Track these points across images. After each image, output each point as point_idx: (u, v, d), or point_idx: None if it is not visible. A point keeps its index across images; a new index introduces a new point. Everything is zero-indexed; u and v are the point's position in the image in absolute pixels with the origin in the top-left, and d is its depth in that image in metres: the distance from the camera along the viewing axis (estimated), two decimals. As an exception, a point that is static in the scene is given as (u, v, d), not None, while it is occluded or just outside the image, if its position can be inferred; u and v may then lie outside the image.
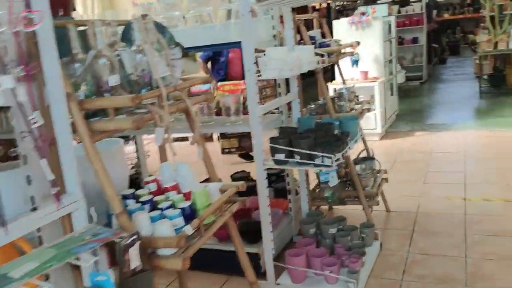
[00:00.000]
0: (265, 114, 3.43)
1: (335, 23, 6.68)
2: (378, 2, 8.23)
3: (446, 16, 18.80)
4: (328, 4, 13.86)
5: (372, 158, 3.80)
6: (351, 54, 3.85)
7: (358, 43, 6.42)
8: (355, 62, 6.35)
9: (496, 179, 4.47)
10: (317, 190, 3.65)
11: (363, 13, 6.52)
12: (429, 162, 5.20)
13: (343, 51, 3.95)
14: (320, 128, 3.02)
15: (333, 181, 2.72)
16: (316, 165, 2.67)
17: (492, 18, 9.06)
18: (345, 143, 2.85)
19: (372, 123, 6.33)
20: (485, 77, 9.24)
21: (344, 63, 6.30)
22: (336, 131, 3.07)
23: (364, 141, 3.95)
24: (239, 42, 2.71)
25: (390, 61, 7.55)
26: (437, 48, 15.16)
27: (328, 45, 3.47)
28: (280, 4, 2.75)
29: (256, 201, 3.03)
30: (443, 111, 7.98)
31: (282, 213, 3.46)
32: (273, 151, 2.76)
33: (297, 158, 2.70)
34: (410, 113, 7.96)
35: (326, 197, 3.01)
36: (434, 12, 14.32)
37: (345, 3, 15.75)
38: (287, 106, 3.48)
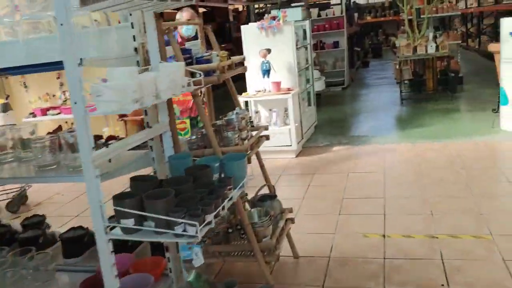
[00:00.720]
0: (131, 149, 2.64)
1: (243, 28, 5.98)
2: (292, 5, 7.65)
3: (369, 18, 18.94)
4: (248, 6, 13.24)
5: (273, 197, 3.12)
6: (244, 70, 3.11)
7: (269, 50, 5.79)
8: (266, 72, 5.70)
9: (418, 207, 3.95)
10: (205, 242, 2.90)
11: (274, 17, 5.86)
12: (346, 185, 4.62)
13: (245, 64, 3.21)
14: (192, 173, 2.27)
15: (198, 260, 1.96)
16: (176, 235, 1.91)
17: (410, 21, 8.82)
18: (221, 197, 2.11)
19: (286, 139, 5.69)
20: (406, 82, 8.99)
21: (254, 73, 5.67)
22: (215, 176, 2.34)
23: (265, 175, 3.25)
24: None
25: (307, 68, 7.00)
26: (360, 51, 15.05)
27: (207, 61, 2.71)
28: (117, 8, 1.96)
29: (125, 261, 2.38)
30: (364, 120, 7.55)
31: (156, 279, 2.66)
32: (119, 215, 1.97)
33: (151, 225, 1.93)
34: (330, 123, 7.45)
35: (189, 282, 2.25)
36: (356, 15, 14.14)
37: (268, 5, 15.21)
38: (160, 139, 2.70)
